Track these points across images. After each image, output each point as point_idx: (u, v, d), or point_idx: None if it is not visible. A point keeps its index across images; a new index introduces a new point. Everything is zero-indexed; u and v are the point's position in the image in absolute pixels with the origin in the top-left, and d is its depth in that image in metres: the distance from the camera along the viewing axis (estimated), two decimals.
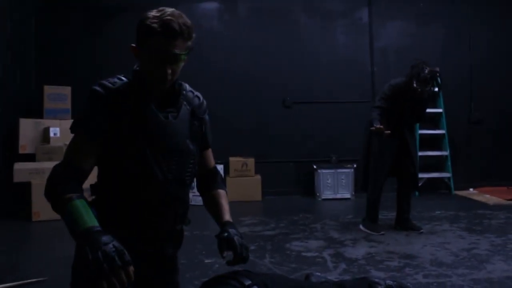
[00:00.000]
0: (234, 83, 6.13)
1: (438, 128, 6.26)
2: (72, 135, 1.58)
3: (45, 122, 5.35)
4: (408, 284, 2.25)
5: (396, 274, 2.78)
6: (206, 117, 1.81)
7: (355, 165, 5.74)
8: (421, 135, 6.11)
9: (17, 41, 5.63)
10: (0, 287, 2.62)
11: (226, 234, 1.66)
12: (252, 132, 6.19)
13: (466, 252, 3.26)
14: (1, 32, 5.27)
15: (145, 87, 1.61)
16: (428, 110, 5.08)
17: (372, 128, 3.71)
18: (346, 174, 5.88)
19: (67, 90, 5.62)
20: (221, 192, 1.86)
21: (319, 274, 2.10)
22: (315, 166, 5.97)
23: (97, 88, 1.58)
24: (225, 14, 6.28)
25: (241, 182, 5.82)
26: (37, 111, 5.55)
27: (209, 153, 1.88)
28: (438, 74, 3.83)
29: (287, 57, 6.24)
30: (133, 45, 1.60)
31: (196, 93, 1.78)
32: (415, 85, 3.73)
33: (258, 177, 5.90)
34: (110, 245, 1.25)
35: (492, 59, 6.47)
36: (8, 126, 5.30)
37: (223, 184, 1.91)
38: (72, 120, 1.60)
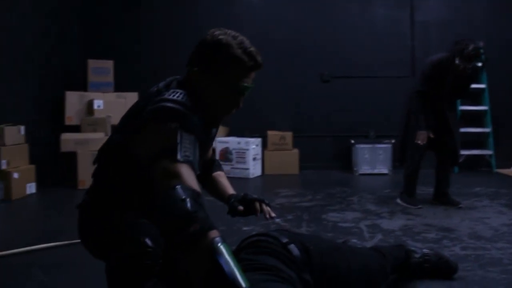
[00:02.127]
0: (272, 57, 6.11)
1: (481, 104, 6.10)
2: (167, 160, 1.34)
3: (89, 94, 5.54)
4: (445, 254, 2.27)
5: (433, 245, 2.78)
6: None
7: (393, 140, 5.68)
8: (462, 111, 5.97)
9: (62, 16, 5.80)
10: (50, 245, 2.79)
11: (233, 199, 1.77)
12: (290, 106, 6.22)
13: (507, 227, 3.22)
14: (47, 7, 5.44)
15: (202, 108, 1.52)
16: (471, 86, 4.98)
17: (417, 140, 3.74)
18: (384, 149, 5.84)
19: (109, 64, 5.77)
20: (219, 173, 1.92)
21: (355, 241, 2.14)
22: (352, 141, 5.95)
23: (178, 108, 1.39)
24: None
25: (278, 156, 5.88)
26: (81, 84, 5.75)
27: (210, 149, 1.94)
28: (482, 50, 3.71)
29: (326, 31, 6.18)
30: (196, 69, 1.52)
31: None
32: (457, 62, 3.63)
33: (296, 151, 5.94)
34: None
35: None
36: (55, 99, 5.51)
37: (220, 167, 1.97)
38: (167, 144, 1.35)
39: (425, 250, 2.20)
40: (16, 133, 4.61)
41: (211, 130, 1.69)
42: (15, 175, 4.46)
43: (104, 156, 1.60)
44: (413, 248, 2.21)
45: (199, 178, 1.88)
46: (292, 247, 1.61)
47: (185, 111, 1.40)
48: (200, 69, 1.52)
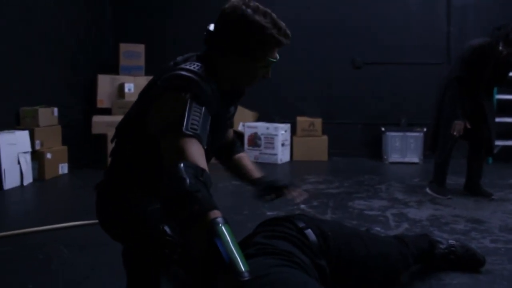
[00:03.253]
0: (303, 43, 6.04)
1: None
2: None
3: (120, 78, 5.62)
4: (472, 246, 2.20)
5: (461, 237, 2.71)
6: None
7: (425, 129, 5.56)
8: (498, 100, 5.75)
9: (96, 1, 5.88)
10: (84, 223, 2.86)
11: (262, 186, 1.74)
12: (320, 92, 6.14)
13: None
14: None
15: (218, 83, 1.47)
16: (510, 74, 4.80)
17: (452, 131, 3.61)
18: (415, 138, 5.70)
19: (141, 48, 5.82)
20: (242, 155, 1.88)
21: (378, 229, 2.10)
22: (383, 129, 5.84)
23: (193, 77, 1.36)
24: None
25: (307, 142, 5.84)
26: (113, 68, 5.83)
27: (230, 130, 1.90)
28: None
29: (358, 16, 6.04)
30: (220, 46, 1.48)
31: None
32: (501, 47, 3.48)
33: (325, 137, 5.88)
34: None
35: None
36: (88, 82, 5.62)
37: (242, 147, 1.93)
38: (174, 117, 1.30)
39: (451, 241, 2.14)
40: (49, 114, 4.73)
41: (229, 108, 1.64)
42: (48, 156, 4.59)
43: (120, 133, 1.56)
44: (438, 239, 2.15)
45: (221, 160, 1.89)
46: (309, 232, 1.59)
47: (200, 80, 1.36)
48: (226, 47, 1.47)
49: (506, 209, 3.41)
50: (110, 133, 5.02)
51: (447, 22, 5.99)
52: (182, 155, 1.25)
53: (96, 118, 5.22)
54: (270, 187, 1.74)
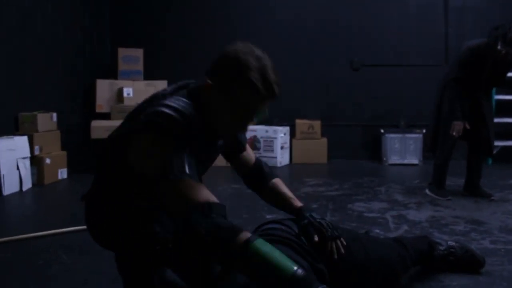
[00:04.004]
0: (302, 45, 6.06)
1: None
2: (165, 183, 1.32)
3: (119, 82, 5.62)
4: (472, 247, 2.20)
5: (461, 238, 2.71)
6: None
7: (424, 130, 5.56)
8: (498, 100, 5.75)
9: (94, 6, 5.89)
10: (80, 228, 2.86)
11: (306, 220, 1.64)
12: (319, 94, 6.15)
13: None
14: None
15: (205, 121, 1.45)
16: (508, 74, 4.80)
17: (452, 132, 3.61)
18: (415, 139, 5.71)
19: (139, 52, 5.84)
20: (277, 180, 1.81)
21: (378, 231, 2.09)
22: (382, 130, 5.84)
23: (176, 116, 1.34)
24: None
25: (307, 145, 5.84)
26: (112, 72, 5.84)
27: (247, 152, 1.82)
28: None
29: (356, 18, 6.06)
30: (209, 82, 1.43)
31: None
32: (499, 47, 3.47)
33: (324, 139, 5.88)
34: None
35: None
36: (86, 87, 5.63)
37: (272, 171, 1.85)
38: (158, 162, 1.32)
39: (451, 243, 2.14)
40: (48, 120, 4.73)
41: (216, 142, 1.60)
42: (47, 161, 4.59)
43: (107, 147, 1.56)
44: (438, 240, 2.14)
45: (253, 188, 1.84)
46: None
47: (181, 120, 1.34)
48: (214, 83, 1.42)
49: (506, 210, 3.41)
50: None
51: (445, 24, 6.01)
52: (182, 200, 1.29)
53: (95, 123, 5.22)
54: (317, 229, 1.63)
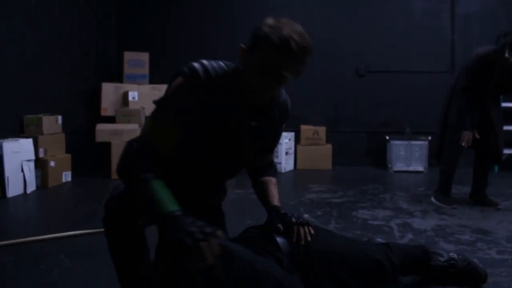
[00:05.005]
0: None
1: None
2: (153, 106, 1.54)
3: (124, 86, 5.62)
4: (475, 260, 2.14)
5: (466, 248, 2.68)
6: (283, 124, 1.79)
7: (430, 137, 5.53)
8: (504, 108, 5.70)
9: (100, 8, 5.91)
10: (82, 232, 2.85)
11: (273, 213, 1.70)
12: (325, 100, 6.13)
13: None
14: (86, 1, 5.56)
15: (240, 92, 1.52)
16: None
17: (461, 142, 3.59)
18: (420, 146, 5.67)
19: (145, 56, 5.84)
20: (271, 178, 1.84)
21: (380, 239, 2.06)
22: (387, 137, 5.81)
23: (200, 71, 1.48)
24: None
25: (311, 151, 5.81)
26: (117, 76, 5.84)
27: (271, 155, 1.87)
28: None
29: (362, 24, 6.05)
30: (243, 46, 1.50)
31: (287, 103, 1.73)
32: (507, 54, 3.44)
33: (329, 146, 5.86)
34: (192, 225, 1.25)
35: None
36: (92, 90, 5.63)
37: (275, 174, 1.88)
38: (163, 95, 1.52)
39: (452, 254, 2.08)
40: (53, 122, 4.73)
41: (246, 121, 1.60)
42: (52, 164, 4.59)
43: None
44: (439, 252, 2.09)
45: (251, 178, 1.89)
46: (280, 240, 1.62)
47: (203, 74, 1.47)
48: (246, 46, 1.50)
49: None
50: (114, 141, 5.06)
51: (451, 30, 5.99)
52: (144, 127, 1.54)
53: (100, 126, 5.22)
54: (282, 219, 1.68)
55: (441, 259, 2.01)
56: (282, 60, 1.42)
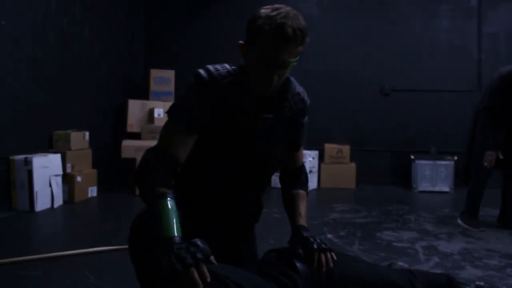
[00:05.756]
0: (332, 69, 6.06)
1: None
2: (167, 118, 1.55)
3: (150, 103, 5.72)
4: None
5: (495, 273, 2.61)
6: (305, 119, 1.76)
7: (456, 157, 5.45)
8: None
9: (129, 29, 6.07)
10: (107, 249, 2.88)
11: (297, 235, 1.65)
12: (349, 119, 6.11)
13: None
14: (116, 21, 5.72)
15: (248, 87, 1.55)
16: None
17: (484, 162, 3.54)
18: (446, 166, 5.59)
19: (171, 74, 5.94)
20: (301, 192, 1.81)
21: (401, 263, 2.02)
22: (412, 157, 5.75)
23: (203, 74, 1.52)
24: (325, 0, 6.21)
25: (335, 169, 5.79)
26: (143, 93, 5.95)
27: (299, 153, 1.84)
28: None
29: (387, 43, 6.04)
30: (241, 42, 1.53)
31: (302, 95, 1.70)
32: None
33: (353, 165, 5.82)
34: (183, 248, 1.24)
35: None
36: (119, 107, 5.74)
37: (305, 184, 1.86)
38: (172, 103, 1.56)
39: (479, 283, 2.04)
40: (81, 138, 4.83)
41: (259, 115, 1.59)
42: (79, 179, 4.67)
43: None
44: (464, 281, 2.05)
45: (281, 187, 1.87)
46: (299, 265, 1.58)
47: (207, 77, 1.51)
48: (244, 41, 1.52)
49: None
50: (139, 157, 5.11)
51: (478, 49, 5.93)
52: (160, 135, 1.54)
53: (126, 142, 5.31)
54: (304, 243, 1.63)
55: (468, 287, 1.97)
56: (280, 46, 1.43)
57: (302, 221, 1.74)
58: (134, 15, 6.25)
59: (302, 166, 1.87)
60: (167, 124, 1.55)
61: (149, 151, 1.51)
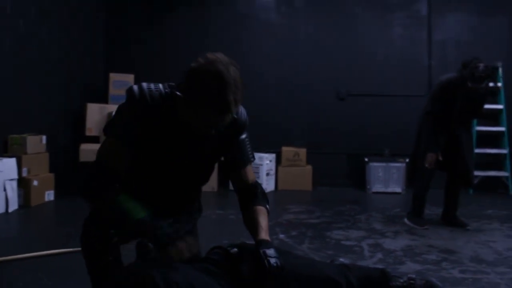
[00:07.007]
0: (289, 74, 6.22)
1: (498, 125, 6.04)
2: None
3: (109, 107, 5.72)
4: (434, 279, 2.22)
5: (431, 267, 2.80)
6: (242, 137, 1.81)
7: (407, 160, 5.67)
8: (479, 131, 5.92)
9: (88, 32, 6.06)
10: (60, 251, 2.91)
11: (259, 254, 1.64)
12: (305, 122, 6.28)
13: (511, 252, 3.20)
14: (75, 24, 5.69)
15: (176, 115, 1.62)
16: (488, 106, 4.96)
17: (425, 163, 3.75)
18: (398, 168, 5.83)
19: (130, 78, 5.96)
20: (260, 208, 1.82)
21: (342, 259, 2.16)
22: (366, 159, 5.97)
23: (135, 92, 1.60)
24: (282, 6, 6.37)
25: (292, 172, 5.93)
26: (103, 97, 5.94)
27: (247, 170, 1.87)
28: (497, 69, 3.69)
29: (343, 49, 6.25)
30: (178, 93, 1.54)
31: (237, 115, 1.69)
32: (470, 85, 3.63)
33: (310, 167, 5.98)
34: (165, 225, 1.43)
35: None
36: (77, 110, 5.72)
37: (264, 199, 1.87)
38: (107, 121, 1.67)
39: (411, 275, 2.19)
40: (38, 142, 4.80)
41: (188, 138, 1.68)
42: (35, 183, 4.64)
43: None
44: (398, 274, 2.20)
45: (240, 206, 1.89)
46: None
47: (139, 98, 1.58)
48: (182, 95, 1.54)
49: (479, 239, 3.51)
50: None
51: (428, 56, 6.21)
52: (98, 152, 1.66)
53: (84, 146, 5.30)
54: (258, 258, 1.65)
55: (401, 280, 2.12)
56: (222, 117, 1.52)
57: (264, 235, 1.74)
58: (94, 19, 6.24)
59: (255, 183, 1.90)
60: (104, 140, 1.68)
61: (90, 166, 1.63)
